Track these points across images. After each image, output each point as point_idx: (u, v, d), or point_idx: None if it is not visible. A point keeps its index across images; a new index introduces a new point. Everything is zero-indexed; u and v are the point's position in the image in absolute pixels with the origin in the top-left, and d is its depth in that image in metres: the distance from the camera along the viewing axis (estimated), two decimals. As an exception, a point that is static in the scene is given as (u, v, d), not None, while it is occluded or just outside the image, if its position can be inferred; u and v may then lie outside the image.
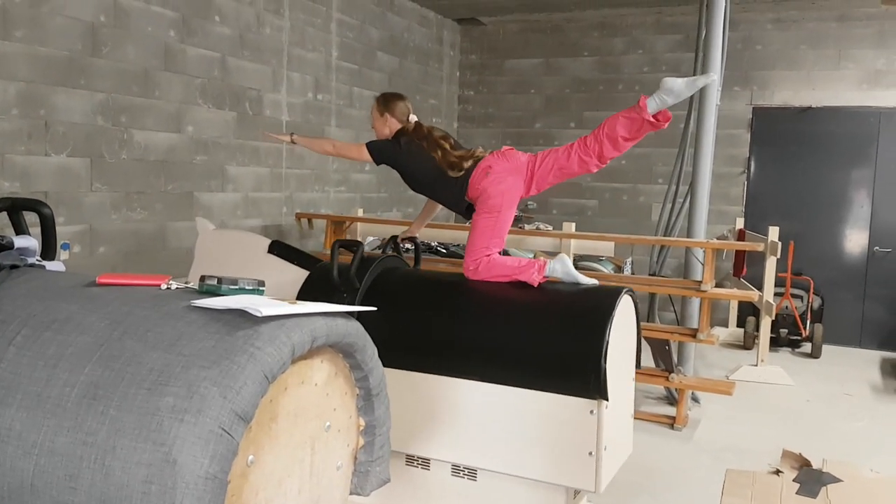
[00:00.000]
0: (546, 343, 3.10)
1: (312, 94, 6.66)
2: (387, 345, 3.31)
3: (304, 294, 3.54)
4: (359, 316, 3.28)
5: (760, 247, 5.31)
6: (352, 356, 1.72)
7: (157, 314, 1.54)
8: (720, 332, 8.08)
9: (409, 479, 3.48)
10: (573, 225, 5.73)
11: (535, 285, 3.32)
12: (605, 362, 2.94)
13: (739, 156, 8.21)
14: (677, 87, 3.30)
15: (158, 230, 5.23)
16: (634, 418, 5.15)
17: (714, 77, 3.40)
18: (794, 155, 7.99)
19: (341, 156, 4.15)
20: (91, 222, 4.78)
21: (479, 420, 3.19)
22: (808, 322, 7.43)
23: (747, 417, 5.43)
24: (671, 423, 5.14)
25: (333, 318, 1.62)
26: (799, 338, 7.43)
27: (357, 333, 1.68)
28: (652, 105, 3.30)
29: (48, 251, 2.23)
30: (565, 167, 3.53)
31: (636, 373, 5.37)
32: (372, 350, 1.75)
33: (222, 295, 1.63)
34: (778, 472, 4.37)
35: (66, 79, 4.54)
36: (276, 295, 3.56)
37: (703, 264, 5.06)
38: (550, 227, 6.95)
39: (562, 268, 3.36)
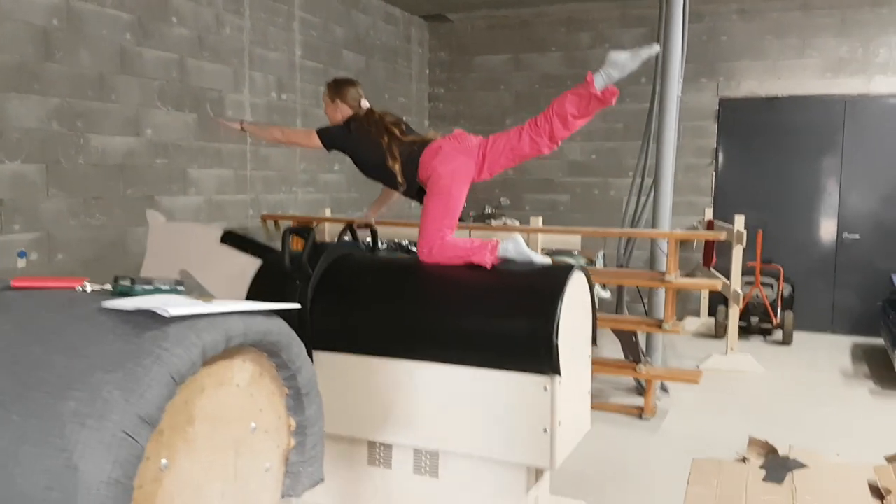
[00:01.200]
0: (499, 321, 3.10)
1: (276, 94, 6.61)
2: (342, 331, 3.35)
3: (257, 283, 3.51)
4: (314, 304, 3.31)
5: (723, 235, 5.32)
6: (277, 355, 1.69)
7: (66, 317, 1.51)
8: (692, 323, 8.12)
9: (371, 479, 3.46)
10: (540, 219, 5.72)
11: (489, 266, 3.31)
12: (557, 338, 2.94)
13: (707, 147, 8.24)
14: (622, 59, 3.30)
15: (119, 236, 5.17)
16: (603, 410, 5.21)
17: (657, 49, 3.39)
18: (761, 145, 8.03)
19: (291, 143, 4.05)
20: (48, 229, 4.71)
21: (437, 402, 3.18)
22: (779, 310, 7.47)
23: (716, 406, 5.45)
24: (639, 413, 5.15)
25: (252, 316, 1.59)
26: (770, 325, 7.47)
27: (280, 331, 1.66)
28: (599, 80, 3.30)
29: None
30: (517, 148, 3.52)
31: (601, 364, 5.39)
32: (299, 348, 1.73)
33: (136, 296, 1.60)
34: (744, 459, 4.38)
35: (18, 84, 4.47)
36: (230, 284, 3.57)
37: (666, 255, 5.06)
38: (517, 222, 6.94)
39: (514, 247, 3.35)
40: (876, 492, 3.84)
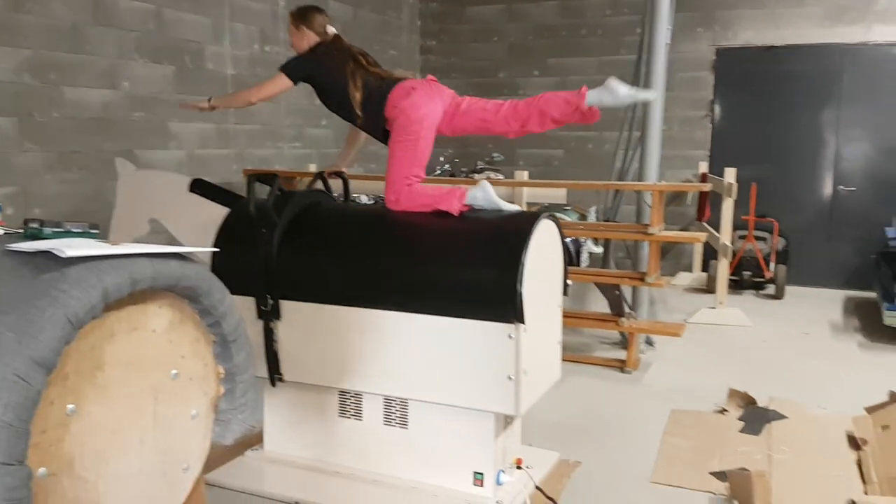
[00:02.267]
0: (464, 270, 3.08)
1: (259, 46, 6.49)
2: (310, 280, 3.32)
3: (224, 231, 3.48)
4: (280, 252, 3.27)
5: (708, 187, 5.23)
6: (197, 301, 1.65)
7: (-31, 261, 1.47)
8: (685, 278, 8.07)
9: (343, 429, 3.46)
10: (525, 173, 5.64)
11: (456, 213, 3.26)
12: (522, 286, 2.91)
13: (703, 98, 8.09)
14: (620, 90, 3.28)
15: (97, 190, 5.12)
16: (586, 364, 5.19)
17: (654, 96, 3.37)
18: (758, 96, 7.87)
19: (265, 97, 3.80)
20: (23, 184, 4.67)
21: (405, 351, 3.18)
22: (772, 264, 7.40)
23: (701, 359, 5.42)
24: (622, 366, 5.12)
25: (164, 259, 1.54)
26: (762, 280, 7.41)
27: (198, 276, 1.61)
28: (592, 97, 3.26)
29: None
30: (487, 122, 3.45)
31: (585, 318, 5.36)
32: (221, 294, 1.68)
33: (45, 238, 1.56)
34: (723, 411, 4.36)
35: (-15, 35, 4.39)
36: (198, 232, 3.54)
37: (650, 207, 4.99)
38: (501, 177, 6.86)
39: (483, 195, 3.30)
40: (853, 442, 3.82)
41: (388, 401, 3.34)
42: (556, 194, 5.67)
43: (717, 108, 8.09)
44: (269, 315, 3.36)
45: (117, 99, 5.25)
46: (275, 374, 3.43)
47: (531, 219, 3.12)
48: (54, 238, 1.57)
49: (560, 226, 3.40)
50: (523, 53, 8.72)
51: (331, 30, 3.68)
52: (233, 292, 3.41)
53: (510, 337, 2.98)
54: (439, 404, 3.18)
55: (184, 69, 5.75)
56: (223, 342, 1.74)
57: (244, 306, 3.39)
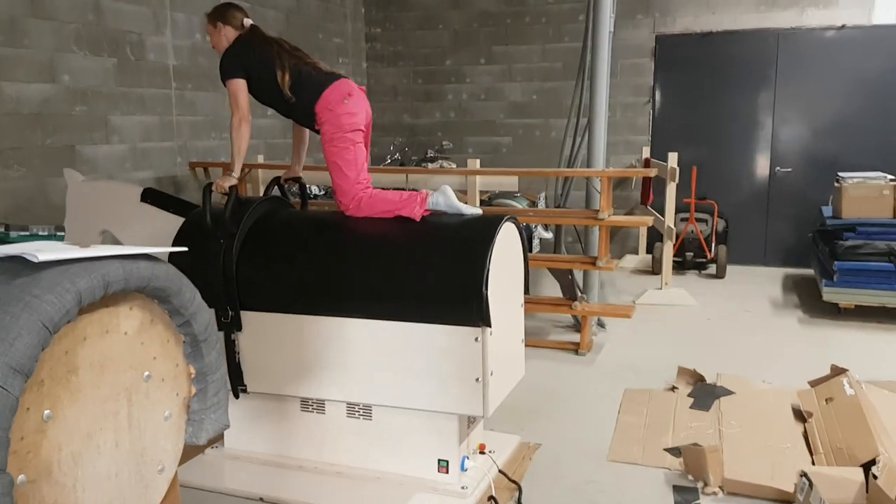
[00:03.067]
0: (429, 275, 3.10)
1: (201, 36, 6.37)
2: (270, 290, 3.30)
3: (179, 242, 3.42)
4: (239, 263, 3.23)
5: (653, 172, 5.36)
6: (167, 301, 1.64)
7: (-66, 268, 1.44)
8: (631, 260, 8.25)
9: (305, 423, 3.46)
10: (478, 161, 5.68)
11: (418, 219, 3.27)
12: (487, 289, 2.95)
13: (644, 85, 8.25)
14: (452, 201, 3.31)
15: (38, 187, 4.98)
16: (540, 347, 5.28)
17: (479, 212, 3.40)
18: (697, 81, 8.06)
19: (245, 109, 3.45)
20: (-39, 182, 4.52)
21: (369, 357, 3.20)
22: (713, 244, 7.61)
23: (649, 339, 5.57)
24: (576, 349, 5.23)
25: (134, 261, 1.53)
26: (704, 260, 7.62)
27: (167, 276, 1.60)
28: (431, 201, 3.30)
29: None
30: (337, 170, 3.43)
31: (539, 303, 5.45)
32: (191, 293, 1.68)
33: (10, 242, 1.53)
34: (674, 388, 4.50)
35: (-87, 28, 4.22)
36: (152, 244, 3.46)
37: (599, 193, 5.09)
38: (454, 165, 6.89)
39: (444, 200, 3.32)
40: (799, 415, 3.98)
41: (351, 407, 3.36)
42: (508, 182, 5.73)
43: (658, 94, 8.26)
44: (229, 326, 3.32)
45: (57, 93, 5.10)
46: (238, 386, 3.40)
47: (494, 222, 3.15)
48: (21, 241, 1.54)
49: (521, 228, 3.44)
50: (468, 41, 8.75)
51: (247, 22, 3.62)
52: None
53: (476, 340, 3.02)
54: (406, 409, 3.21)
55: (125, 61, 5.62)
56: (194, 342, 1.73)
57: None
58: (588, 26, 5.64)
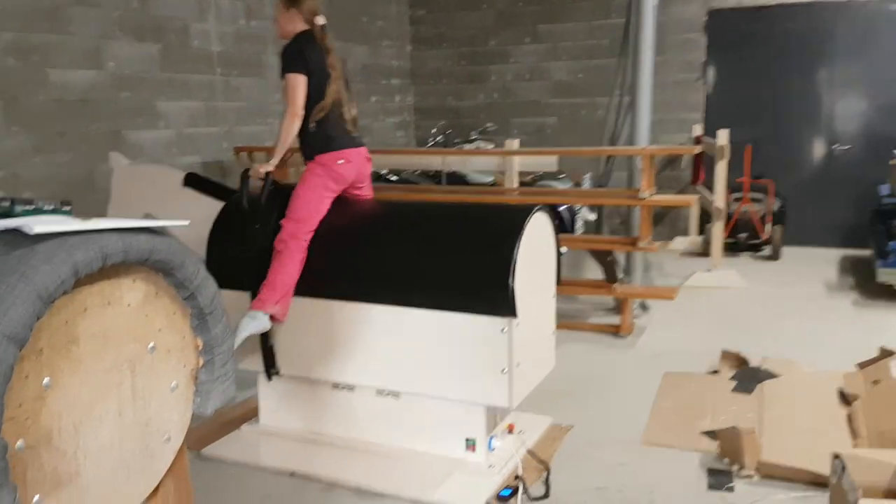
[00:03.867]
0: (457, 265, 3.10)
1: (245, 22, 6.44)
2: (304, 274, 3.33)
3: (217, 226, 3.50)
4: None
5: (696, 149, 5.21)
6: (171, 274, 1.67)
7: (-61, 240, 1.49)
8: (681, 242, 8.07)
9: (336, 402, 3.50)
10: (516, 142, 5.62)
11: (266, 313, 3.29)
12: (514, 281, 2.93)
13: (696, 61, 8.03)
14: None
15: (86, 172, 5.12)
16: (579, 330, 5.22)
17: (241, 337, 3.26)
18: (751, 56, 7.81)
19: (300, 104, 3.40)
20: (12, 167, 4.67)
21: (398, 344, 3.22)
22: (768, 225, 7.39)
23: (695, 322, 5.44)
24: (616, 331, 5.15)
25: (134, 234, 1.55)
26: (759, 241, 7.41)
27: (170, 250, 1.62)
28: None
29: None
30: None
31: (579, 285, 5.38)
32: (195, 267, 1.70)
33: (16, 216, 1.57)
34: (716, 372, 4.39)
35: (-35, 19, 4.36)
36: (193, 227, 3.54)
37: (640, 171, 4.98)
38: (491, 145, 6.84)
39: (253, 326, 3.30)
40: (844, 399, 3.84)
41: (381, 391, 3.37)
42: (546, 162, 5.65)
43: (711, 70, 8.03)
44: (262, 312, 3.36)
45: (103, 79, 5.22)
46: (271, 369, 3.46)
47: (523, 213, 3.13)
48: (25, 216, 1.58)
49: (552, 218, 3.40)
50: (513, 21, 8.65)
51: (319, 20, 3.51)
52: (228, 286, 3.42)
53: (503, 331, 3.00)
54: (434, 397, 3.22)
55: (169, 47, 5.72)
56: (200, 315, 1.76)
57: (239, 301, 3.41)
58: (631, 1, 5.51)
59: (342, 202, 3.62)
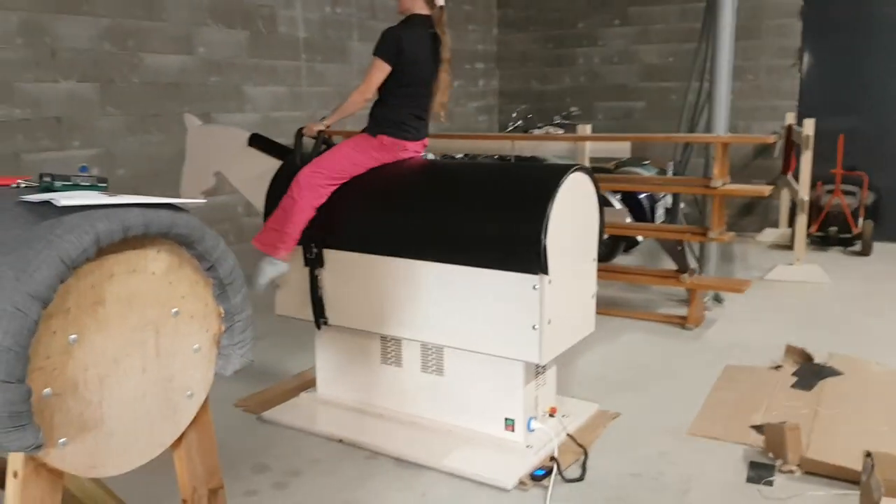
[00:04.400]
0: (493, 222, 3.18)
1: (330, 8, 6.66)
2: (350, 229, 3.50)
3: (274, 183, 3.72)
4: (323, 203, 3.43)
5: (772, 139, 5.04)
6: (192, 247, 1.83)
7: (-11, 209, 1.70)
8: (770, 234, 7.82)
9: (385, 375, 3.65)
10: (588, 127, 5.59)
11: (276, 256, 3.52)
12: (546, 238, 2.98)
13: (791, 46, 7.72)
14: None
15: (176, 152, 5.42)
16: (644, 320, 5.18)
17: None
18: (849, 43, 7.44)
19: (373, 88, 3.51)
20: (107, 146, 5.04)
21: (437, 299, 3.33)
22: (860, 219, 7.06)
23: (768, 316, 5.30)
24: (683, 323, 5.08)
25: (155, 209, 1.72)
26: (849, 235, 7.09)
27: (188, 224, 1.78)
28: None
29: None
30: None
31: (646, 274, 5.33)
32: (214, 241, 1.85)
33: (56, 191, 1.76)
34: (778, 367, 4.29)
35: (67, 6, 4.73)
36: (255, 184, 3.77)
37: (713, 160, 4.88)
38: (562, 131, 6.80)
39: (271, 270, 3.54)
40: (911, 401, 3.70)
41: (425, 347, 3.50)
42: (620, 148, 5.61)
43: (806, 56, 7.69)
44: (313, 263, 3.57)
45: (193, 64, 5.55)
46: (319, 318, 3.64)
47: (560, 172, 3.17)
48: (63, 191, 1.77)
49: (596, 180, 3.42)
50: (603, 3, 8.54)
51: (439, 1, 3.51)
52: None
53: (535, 288, 3.06)
54: (470, 351, 3.31)
55: (257, 33, 6.00)
56: (220, 285, 1.91)
57: (293, 254, 3.62)
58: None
59: (388, 164, 3.74)
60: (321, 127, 3.66)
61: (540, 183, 3.16)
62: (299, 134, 3.69)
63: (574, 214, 3.24)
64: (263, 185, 3.75)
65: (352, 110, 3.60)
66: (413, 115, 3.60)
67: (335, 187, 3.51)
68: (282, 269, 3.54)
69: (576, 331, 3.39)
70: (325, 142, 3.69)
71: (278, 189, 3.66)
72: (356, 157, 3.53)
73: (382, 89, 3.55)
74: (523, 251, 3.04)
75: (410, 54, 3.46)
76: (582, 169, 3.29)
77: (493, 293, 3.17)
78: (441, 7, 3.53)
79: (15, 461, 1.63)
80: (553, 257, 3.03)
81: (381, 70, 3.46)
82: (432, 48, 3.54)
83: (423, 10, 3.51)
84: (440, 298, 3.31)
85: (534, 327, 3.08)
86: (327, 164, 3.50)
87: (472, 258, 3.20)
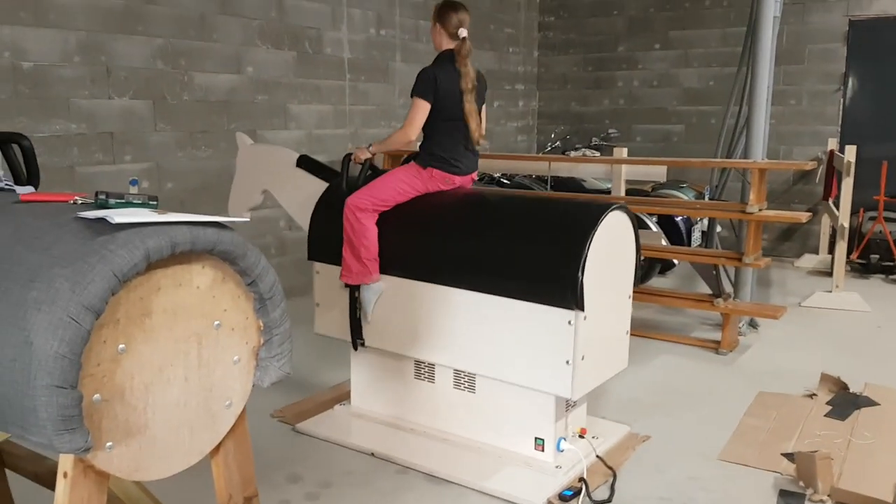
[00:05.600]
0: (531, 255, 3.23)
1: (375, 31, 6.81)
2: (391, 254, 3.58)
3: (320, 204, 3.83)
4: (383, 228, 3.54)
5: (809, 165, 5.02)
6: (235, 263, 1.92)
7: (49, 224, 1.81)
8: (810, 260, 7.74)
9: (418, 390, 3.72)
10: (624, 150, 5.63)
11: (352, 282, 3.63)
12: (583, 275, 3.02)
13: (835, 72, 7.66)
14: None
15: (223, 167, 5.62)
16: (678, 343, 5.17)
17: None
18: (893, 69, 7.36)
19: (417, 127, 3.61)
20: (157, 160, 5.23)
21: (473, 328, 3.39)
22: (904, 247, 6.96)
23: (805, 343, 5.25)
24: (716, 347, 5.07)
25: (202, 227, 1.82)
26: (892, 264, 6.99)
27: (231, 241, 1.87)
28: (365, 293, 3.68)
29: (31, 178, 2.58)
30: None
31: (680, 297, 5.32)
32: (256, 257, 1.94)
33: (110, 208, 1.87)
34: (813, 395, 4.26)
35: (124, 26, 4.94)
36: (302, 204, 3.88)
37: (750, 185, 4.87)
38: (598, 154, 6.84)
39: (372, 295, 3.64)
40: (949, 434, 3.65)
41: (458, 372, 3.56)
42: (656, 172, 5.63)
43: (851, 82, 7.63)
44: (354, 285, 3.65)
45: (242, 83, 5.72)
46: (357, 339, 3.73)
47: (600, 209, 3.21)
48: (117, 208, 1.88)
49: (634, 219, 3.45)
50: (643, 27, 8.58)
51: (462, 33, 3.59)
52: (324, 260, 3.79)
53: (570, 323, 3.10)
54: (502, 381, 3.36)
55: (303, 54, 6.16)
56: (261, 300, 2.00)
57: (333, 274, 3.73)
58: (752, 9, 5.38)
59: (431, 193, 3.83)
60: (368, 155, 3.76)
61: (579, 219, 3.21)
62: (346, 158, 3.79)
63: (611, 252, 3.28)
64: (309, 205, 3.86)
65: (396, 147, 3.75)
66: (462, 147, 3.67)
67: (380, 212, 3.60)
68: (379, 289, 3.63)
69: (609, 367, 3.43)
70: (371, 168, 3.79)
71: (323, 210, 3.78)
72: (405, 186, 3.61)
73: (427, 125, 3.63)
74: (560, 286, 3.09)
75: (445, 90, 3.55)
76: (621, 207, 3.33)
77: (528, 325, 3.22)
78: (463, 39, 3.60)
79: (65, 462, 1.73)
80: (589, 294, 3.07)
81: (422, 109, 3.54)
82: (458, 80, 3.60)
83: (449, 45, 3.63)
84: (475, 327, 3.37)
85: (567, 362, 3.12)
86: (377, 190, 3.58)
87: (508, 290, 3.26)
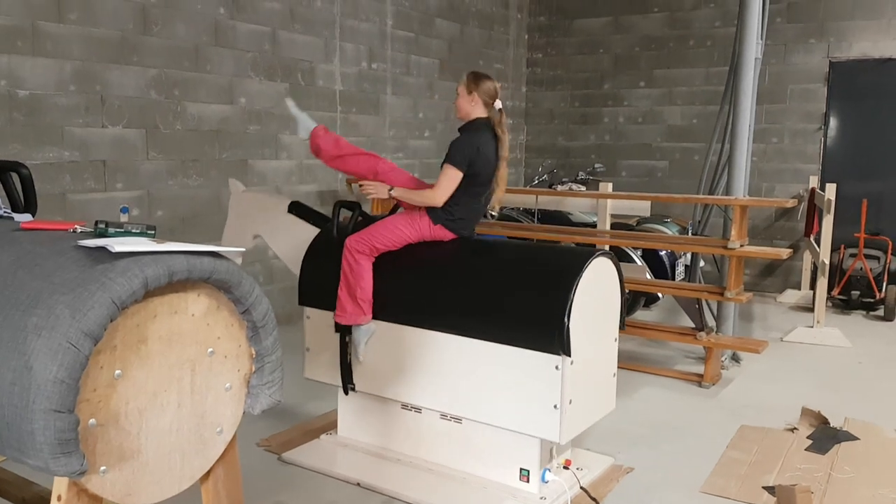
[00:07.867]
0: (517, 301, 3.29)
1: (367, 64, 6.93)
2: (381, 300, 3.63)
3: (311, 250, 3.87)
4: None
5: (790, 203, 5.14)
6: (230, 291, 1.97)
7: (49, 251, 1.86)
8: (792, 295, 7.85)
9: (405, 421, 3.75)
10: (609, 185, 5.74)
11: (342, 322, 3.63)
12: (569, 321, 3.08)
13: (816, 111, 7.85)
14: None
15: (213, 195, 5.68)
16: (661, 376, 5.23)
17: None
18: (874, 109, 7.56)
19: (448, 194, 3.54)
20: (148, 188, 5.27)
21: (460, 372, 3.44)
22: (884, 284, 7.08)
23: (786, 378, 5.32)
24: (699, 381, 5.13)
25: (198, 256, 1.87)
26: (872, 300, 7.10)
27: (227, 271, 1.93)
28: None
29: (28, 206, 2.62)
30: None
31: (664, 331, 5.40)
32: (250, 286, 2.00)
33: (109, 237, 1.92)
34: (794, 429, 4.32)
35: (118, 56, 5.01)
36: (293, 250, 3.93)
37: (731, 221, 4.98)
38: (584, 188, 6.95)
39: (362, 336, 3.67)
40: (926, 469, 3.71)
41: (445, 415, 3.60)
42: (640, 206, 5.73)
43: (831, 121, 7.82)
44: (345, 329, 3.69)
45: (234, 113, 5.80)
46: (348, 384, 3.77)
47: (584, 257, 3.29)
48: (116, 237, 1.93)
49: (618, 265, 3.52)
50: (629, 65, 8.76)
51: (497, 104, 3.61)
52: (315, 305, 3.84)
53: (557, 368, 3.16)
54: (490, 425, 3.40)
55: (296, 86, 6.26)
56: (254, 328, 2.05)
57: (324, 320, 3.76)
58: (734, 51, 5.54)
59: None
60: (385, 196, 3.69)
61: (565, 266, 3.28)
62: (337, 205, 3.84)
63: (597, 297, 3.35)
64: (300, 250, 3.91)
65: (417, 204, 3.63)
66: (476, 210, 3.73)
67: (376, 255, 3.63)
68: (371, 329, 3.65)
69: (596, 409, 3.48)
70: (361, 214, 3.84)
71: (314, 255, 3.83)
72: (406, 234, 3.63)
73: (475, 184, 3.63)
74: (547, 332, 3.15)
75: (486, 158, 3.57)
76: (605, 254, 3.41)
77: (516, 370, 3.26)
78: (500, 110, 3.65)
79: (59, 486, 1.76)
80: (576, 338, 3.13)
81: (455, 178, 3.50)
82: (494, 147, 3.64)
83: (482, 113, 3.64)
84: (464, 372, 3.42)
85: (555, 406, 3.17)
86: (378, 234, 3.59)
87: (496, 335, 3.31)
